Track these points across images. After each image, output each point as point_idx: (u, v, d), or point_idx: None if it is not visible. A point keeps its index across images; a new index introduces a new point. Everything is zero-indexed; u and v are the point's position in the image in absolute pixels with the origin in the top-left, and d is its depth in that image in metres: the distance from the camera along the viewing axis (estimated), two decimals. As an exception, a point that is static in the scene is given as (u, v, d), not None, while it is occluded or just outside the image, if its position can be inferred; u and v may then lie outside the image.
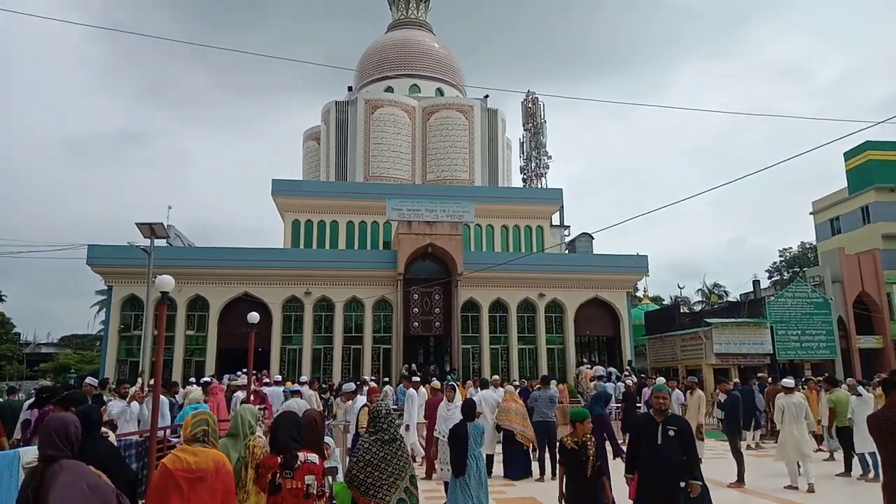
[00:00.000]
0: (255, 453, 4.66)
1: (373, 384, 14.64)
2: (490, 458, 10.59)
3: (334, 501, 4.46)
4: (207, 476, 3.66)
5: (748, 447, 14.39)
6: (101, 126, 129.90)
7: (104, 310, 31.72)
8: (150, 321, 22.90)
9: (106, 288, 28.20)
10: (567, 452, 5.91)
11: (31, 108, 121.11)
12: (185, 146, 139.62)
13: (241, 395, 13.28)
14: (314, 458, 4.16)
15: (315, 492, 4.07)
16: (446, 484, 8.28)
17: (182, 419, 9.45)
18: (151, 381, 11.58)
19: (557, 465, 5.89)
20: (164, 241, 23.73)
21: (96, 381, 11.75)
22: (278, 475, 4.05)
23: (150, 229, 18.58)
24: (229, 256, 27.73)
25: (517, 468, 11.50)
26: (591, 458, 5.83)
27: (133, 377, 23.62)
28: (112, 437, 5.38)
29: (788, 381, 11.33)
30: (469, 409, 7.80)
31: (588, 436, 5.93)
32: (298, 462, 4.05)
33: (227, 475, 3.79)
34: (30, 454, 4.88)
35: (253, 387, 14.17)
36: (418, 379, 15.11)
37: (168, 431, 9.35)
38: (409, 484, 4.48)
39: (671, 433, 5.67)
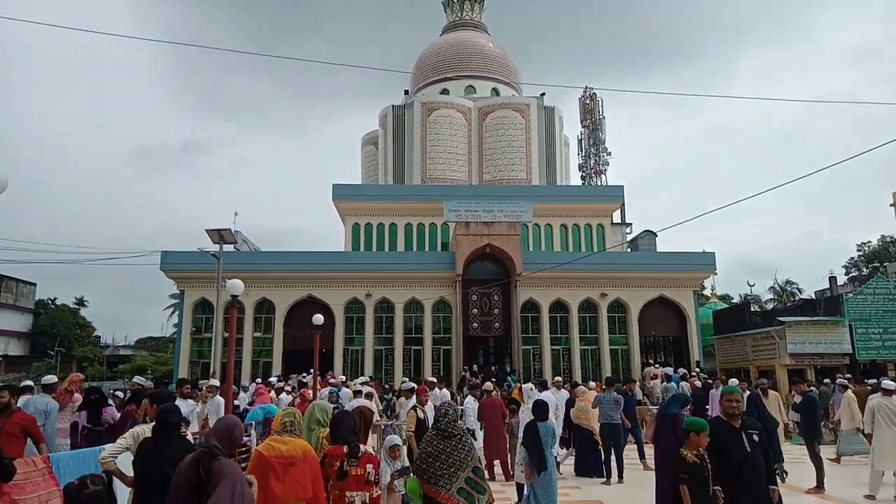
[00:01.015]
0: (323, 444, 5.23)
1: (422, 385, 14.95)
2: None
3: (407, 495, 5.11)
4: (297, 461, 4.27)
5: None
6: (167, 136, 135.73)
7: (177, 313, 33.12)
8: (220, 323, 23.77)
9: (178, 292, 29.41)
10: (690, 467, 5.07)
11: (103, 120, 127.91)
12: (247, 153, 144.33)
13: (285, 396, 13.57)
14: (371, 450, 4.94)
15: (373, 479, 4.80)
16: (518, 486, 8.31)
17: (251, 419, 9.83)
18: (214, 383, 11.99)
19: (680, 485, 5.12)
20: (232, 246, 24.58)
21: (144, 381, 12.24)
22: (345, 463, 4.73)
23: (219, 235, 19.30)
24: (293, 260, 28.48)
25: (589, 467, 11.48)
26: (710, 473, 5.13)
27: (205, 378, 24.59)
28: (189, 436, 5.61)
29: (889, 383, 10.61)
30: (540, 409, 7.88)
31: (702, 449, 5.13)
32: (361, 452, 4.79)
33: (313, 460, 4.43)
34: (105, 450, 5.15)
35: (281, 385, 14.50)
36: (434, 380, 15.47)
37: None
38: (473, 474, 4.90)
39: (755, 438, 5.17)
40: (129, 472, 4.96)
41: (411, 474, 5.31)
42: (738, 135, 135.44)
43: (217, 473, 3.47)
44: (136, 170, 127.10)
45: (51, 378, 9.00)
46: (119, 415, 8.65)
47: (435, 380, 15.21)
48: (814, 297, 36.21)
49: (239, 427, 3.90)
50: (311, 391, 13.73)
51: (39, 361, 43.44)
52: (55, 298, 54.62)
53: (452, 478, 4.78)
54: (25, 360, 46.06)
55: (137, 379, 11.65)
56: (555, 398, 12.70)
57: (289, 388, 15.90)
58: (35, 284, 52.02)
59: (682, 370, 24.90)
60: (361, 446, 4.84)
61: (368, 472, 4.72)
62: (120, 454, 5.02)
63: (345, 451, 4.76)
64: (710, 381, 19.79)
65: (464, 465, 4.85)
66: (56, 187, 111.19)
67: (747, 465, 5.06)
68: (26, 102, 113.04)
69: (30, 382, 9.74)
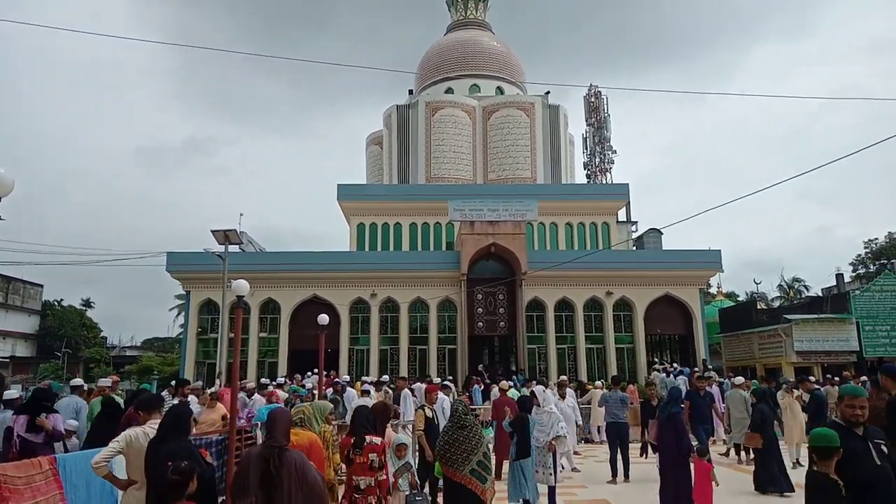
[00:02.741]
0: (325, 437, 6.14)
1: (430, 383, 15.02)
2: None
3: (411, 494, 6.15)
4: (304, 449, 4.90)
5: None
6: (169, 136, 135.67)
7: (183, 314, 33.21)
8: (226, 324, 23.81)
9: (184, 293, 29.49)
10: (830, 487, 4.02)
11: (105, 120, 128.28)
12: (252, 153, 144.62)
13: (258, 398, 13.14)
14: (377, 440, 5.59)
15: (377, 465, 5.45)
16: (551, 489, 8.56)
17: (257, 419, 9.86)
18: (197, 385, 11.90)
19: None
20: (238, 246, 24.62)
21: (107, 382, 11.76)
22: (351, 452, 5.51)
23: (225, 236, 19.33)
24: (298, 260, 28.51)
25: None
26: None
27: (211, 378, 24.63)
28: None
29: None
30: (526, 402, 8.54)
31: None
32: (365, 443, 5.49)
33: (318, 449, 5.26)
34: (98, 455, 5.03)
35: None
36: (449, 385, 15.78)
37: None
38: (483, 458, 6.01)
39: (884, 448, 4.27)
40: (123, 475, 4.94)
41: (414, 470, 6.42)
42: (748, 130, 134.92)
43: (287, 464, 4.06)
44: (139, 170, 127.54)
45: (78, 381, 9.95)
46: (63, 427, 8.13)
47: (450, 384, 15.43)
48: (821, 294, 36.06)
49: (290, 420, 4.71)
50: (281, 392, 13.41)
51: (46, 363, 43.64)
52: (62, 300, 54.91)
53: (466, 461, 5.94)
54: (33, 361, 46.30)
55: (102, 381, 11.06)
56: (553, 398, 12.84)
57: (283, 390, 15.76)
58: (42, 286, 52.25)
59: (686, 369, 24.84)
60: (367, 438, 5.52)
61: (371, 461, 5.44)
62: (112, 458, 4.96)
63: (351, 441, 5.58)
64: (721, 380, 19.53)
65: (475, 450, 6.00)
66: (60, 187, 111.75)
67: (879, 481, 4.10)
68: (29, 103, 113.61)
69: (79, 381, 10.38)
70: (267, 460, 4.02)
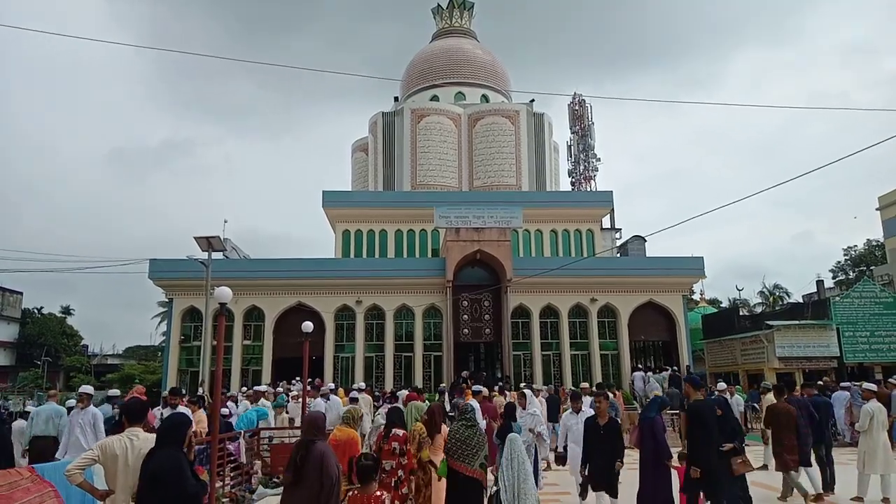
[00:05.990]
0: (415, 434, 7.27)
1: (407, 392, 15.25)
2: None
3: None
4: (341, 444, 6.31)
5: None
6: (149, 140, 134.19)
7: (165, 321, 32.86)
8: (209, 332, 23.62)
9: (167, 300, 29.21)
10: None
11: (80, 123, 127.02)
12: (235, 156, 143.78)
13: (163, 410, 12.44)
14: (400, 432, 6.77)
15: (399, 452, 6.62)
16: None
17: (244, 426, 9.83)
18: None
19: None
20: (221, 253, 24.45)
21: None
22: (382, 441, 6.77)
23: (208, 243, 19.21)
24: (283, 268, 28.35)
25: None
26: None
27: (194, 386, 24.40)
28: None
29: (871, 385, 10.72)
30: (511, 410, 8.61)
31: None
32: (391, 434, 6.72)
33: (353, 444, 6.58)
34: (72, 464, 4.96)
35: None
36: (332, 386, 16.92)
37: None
38: (484, 459, 6.82)
39: None
40: (102, 486, 4.90)
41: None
42: (731, 136, 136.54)
43: (312, 455, 4.87)
44: (116, 171, 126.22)
45: (114, 391, 11.46)
46: None
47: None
48: (802, 300, 36.51)
49: (323, 418, 5.48)
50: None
51: (26, 371, 42.99)
52: (42, 307, 54.20)
53: (475, 456, 6.75)
54: (13, 369, 45.59)
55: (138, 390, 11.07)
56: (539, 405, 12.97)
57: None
58: (21, 293, 51.56)
59: (666, 372, 24.99)
60: (393, 430, 6.71)
61: (394, 448, 6.59)
62: (86, 467, 4.90)
63: (382, 434, 6.84)
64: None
65: (482, 447, 6.82)
66: (39, 192, 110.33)
67: None
68: (2, 103, 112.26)
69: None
70: (297, 450, 4.96)
